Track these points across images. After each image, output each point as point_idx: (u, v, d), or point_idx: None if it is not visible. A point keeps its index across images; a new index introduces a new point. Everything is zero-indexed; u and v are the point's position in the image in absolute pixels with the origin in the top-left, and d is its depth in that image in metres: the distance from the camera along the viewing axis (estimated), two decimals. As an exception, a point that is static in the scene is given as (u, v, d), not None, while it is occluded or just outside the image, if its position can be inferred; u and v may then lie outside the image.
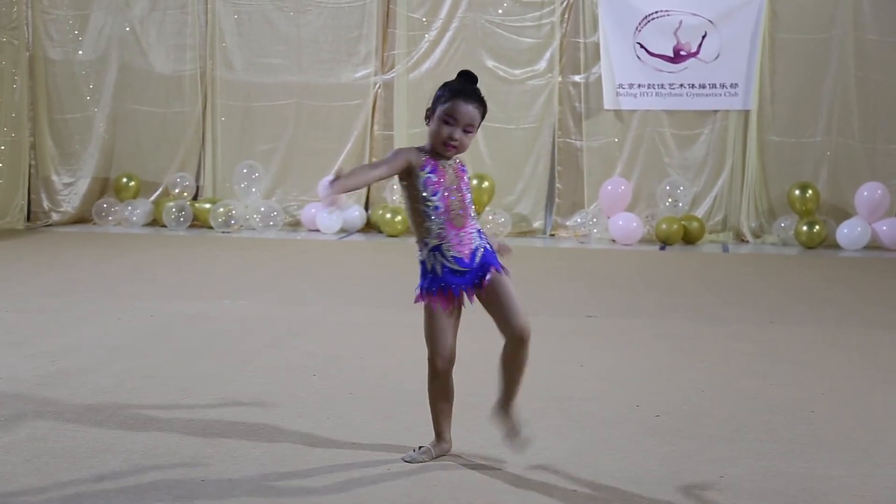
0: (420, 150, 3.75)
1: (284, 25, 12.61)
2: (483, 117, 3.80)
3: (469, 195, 3.80)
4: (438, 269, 3.74)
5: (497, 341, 5.98)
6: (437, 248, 3.73)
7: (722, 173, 12.18)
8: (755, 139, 12.01)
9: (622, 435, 4.21)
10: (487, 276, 3.75)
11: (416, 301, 3.82)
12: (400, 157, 3.70)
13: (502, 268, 3.81)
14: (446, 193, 3.71)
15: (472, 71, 3.88)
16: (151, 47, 12.72)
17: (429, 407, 3.92)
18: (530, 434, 3.86)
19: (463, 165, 3.84)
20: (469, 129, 3.72)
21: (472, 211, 3.79)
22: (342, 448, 3.96)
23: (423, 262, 3.79)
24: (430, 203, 3.70)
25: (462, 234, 3.73)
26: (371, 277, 8.49)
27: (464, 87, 3.75)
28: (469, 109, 3.71)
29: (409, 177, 3.71)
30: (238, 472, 3.66)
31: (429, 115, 3.78)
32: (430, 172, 3.70)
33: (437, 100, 3.75)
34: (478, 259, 3.76)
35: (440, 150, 3.73)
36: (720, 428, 4.34)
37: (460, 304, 3.82)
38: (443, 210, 3.70)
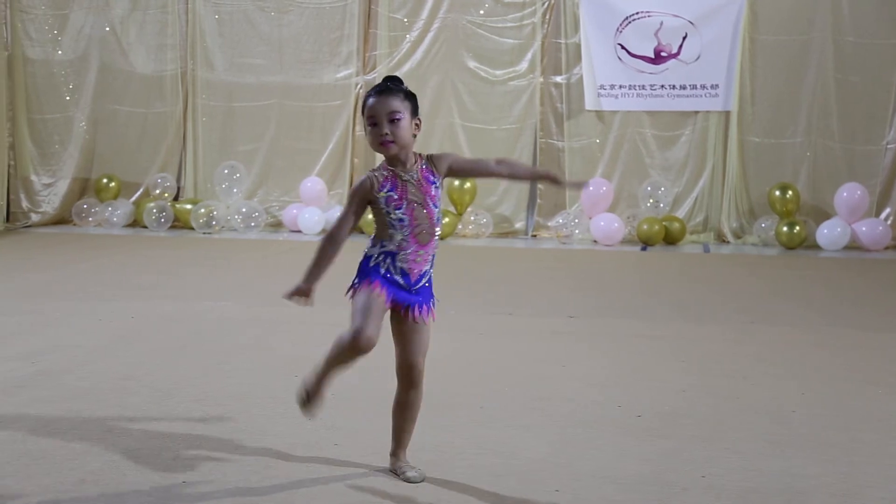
0: (374, 171, 3.58)
1: (266, 26, 12.59)
2: (408, 100, 3.54)
3: (436, 211, 3.57)
4: (382, 269, 3.56)
5: (471, 341, 5.98)
6: (391, 254, 3.56)
7: (703, 174, 12.23)
8: (736, 140, 12.07)
9: (603, 435, 4.22)
10: (416, 312, 3.57)
11: (348, 292, 3.61)
12: (355, 200, 3.58)
13: (431, 311, 3.62)
14: (411, 207, 3.53)
15: (398, 77, 3.67)
16: (132, 47, 12.68)
17: (326, 374, 3.64)
18: (418, 474, 3.64)
19: (431, 177, 3.57)
20: (393, 117, 3.48)
21: (438, 230, 3.59)
22: (323, 448, 3.95)
23: (368, 258, 3.60)
24: (393, 216, 3.53)
25: (422, 252, 3.56)
26: (352, 278, 8.47)
27: (372, 89, 3.59)
28: (380, 101, 3.50)
29: (373, 203, 3.56)
30: (220, 473, 3.65)
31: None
32: (389, 191, 3.53)
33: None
34: (420, 284, 3.59)
35: (383, 153, 3.56)
36: (700, 428, 4.36)
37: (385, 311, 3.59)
38: (407, 223, 3.53)
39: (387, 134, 3.49)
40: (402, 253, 3.55)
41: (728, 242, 12.03)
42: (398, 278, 3.56)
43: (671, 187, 12.19)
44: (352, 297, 3.58)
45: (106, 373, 5.09)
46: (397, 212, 3.53)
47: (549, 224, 12.35)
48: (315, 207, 12.11)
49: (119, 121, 12.77)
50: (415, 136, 3.57)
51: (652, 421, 4.44)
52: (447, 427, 4.26)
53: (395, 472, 3.68)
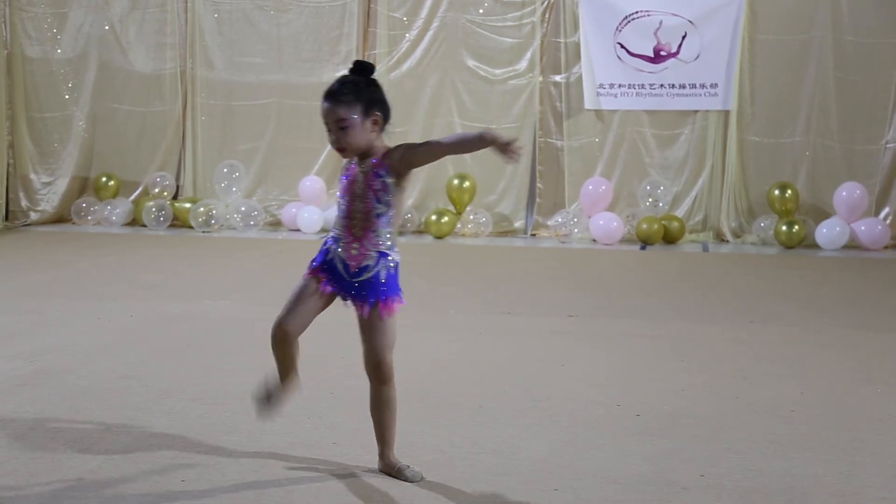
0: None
1: (265, 24, 12.58)
2: (360, 101, 3.51)
3: (377, 205, 3.53)
4: (329, 254, 3.61)
5: (471, 340, 5.99)
6: (336, 240, 3.61)
7: (702, 173, 12.23)
8: (735, 139, 12.07)
9: (602, 434, 4.22)
10: (364, 306, 3.55)
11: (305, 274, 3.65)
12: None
13: (385, 306, 3.55)
14: (352, 198, 3.56)
15: (364, 61, 3.68)
16: (131, 46, 12.67)
17: (279, 370, 3.74)
18: (416, 472, 3.63)
19: (380, 171, 3.53)
20: (341, 125, 3.50)
21: (378, 228, 3.54)
22: (322, 447, 3.95)
23: (327, 240, 3.67)
24: (339, 203, 3.63)
25: (356, 245, 3.55)
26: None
27: (325, 91, 3.58)
28: (328, 108, 3.53)
29: None
30: (219, 472, 3.65)
31: None
32: (344, 176, 3.61)
33: None
34: (364, 277, 3.55)
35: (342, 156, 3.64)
36: (700, 427, 4.36)
37: (329, 299, 3.63)
38: (344, 212, 3.59)
39: (335, 140, 3.54)
40: (342, 241, 3.59)
41: (727, 242, 12.03)
42: (339, 266, 3.59)
43: (670, 186, 12.19)
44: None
45: (106, 372, 5.09)
46: (341, 200, 3.62)
47: (549, 223, 12.35)
48: (314, 206, 12.11)
49: (118, 119, 12.76)
50: (375, 132, 3.55)
51: (652, 420, 4.44)
52: (447, 427, 4.26)
53: (388, 472, 3.66)
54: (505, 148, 3.36)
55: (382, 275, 3.56)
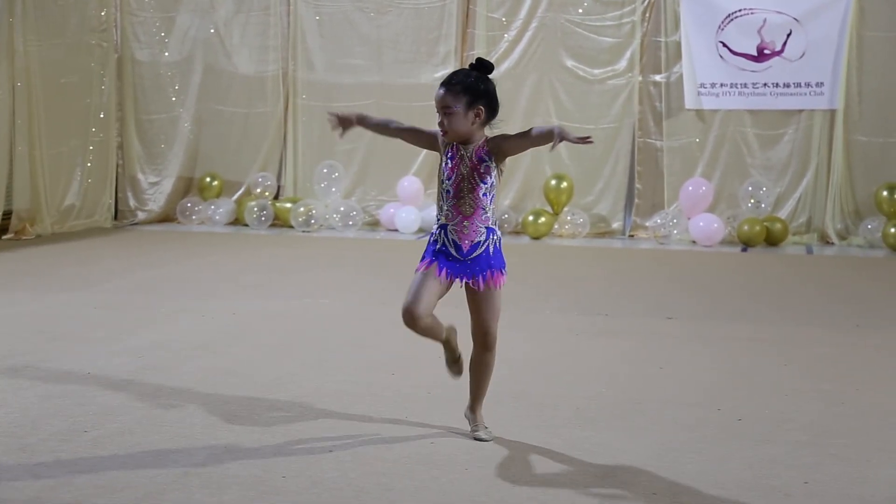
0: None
1: (365, 26, 12.70)
2: (466, 93, 3.90)
3: (482, 188, 3.93)
4: (438, 244, 3.99)
5: (568, 341, 5.96)
6: (443, 227, 3.99)
7: (806, 174, 11.96)
8: (841, 139, 11.77)
9: (703, 438, 4.16)
10: (478, 279, 3.96)
11: (417, 270, 4.00)
12: (433, 131, 4.07)
13: (494, 279, 3.97)
14: (458, 180, 3.94)
15: (485, 59, 4.02)
16: (235, 48, 12.90)
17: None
18: (487, 436, 4.08)
19: (485, 157, 3.94)
20: (446, 110, 3.93)
21: (486, 205, 3.94)
22: (420, 446, 3.98)
23: (430, 234, 4.06)
24: (444, 185, 4.00)
25: (467, 224, 3.94)
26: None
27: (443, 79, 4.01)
28: (439, 94, 3.95)
29: (439, 159, 4.06)
30: (318, 469, 3.70)
31: None
32: (448, 158, 3.99)
33: None
34: (476, 253, 3.95)
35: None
36: (804, 433, 4.27)
37: (448, 285, 4.00)
38: (453, 194, 3.95)
39: (442, 123, 3.97)
40: (451, 224, 3.98)
41: (832, 244, 11.73)
42: (451, 250, 3.97)
43: (773, 187, 11.94)
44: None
45: (209, 368, 5.20)
46: (447, 182, 3.98)
47: (647, 224, 12.21)
48: (412, 207, 12.19)
49: (222, 121, 13.01)
50: (477, 123, 3.94)
51: (754, 425, 4.36)
52: (544, 428, 4.26)
53: (469, 421, 4.14)
54: (577, 142, 3.70)
55: (491, 249, 3.98)
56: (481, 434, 4.08)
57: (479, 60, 3.99)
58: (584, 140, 3.70)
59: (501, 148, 3.94)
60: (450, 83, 3.95)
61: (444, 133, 3.97)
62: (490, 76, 3.98)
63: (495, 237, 3.99)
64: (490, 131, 4.01)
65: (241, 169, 12.96)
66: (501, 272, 3.99)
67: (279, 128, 12.94)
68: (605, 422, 4.38)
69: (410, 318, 3.92)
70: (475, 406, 4.16)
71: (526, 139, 3.89)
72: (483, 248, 3.96)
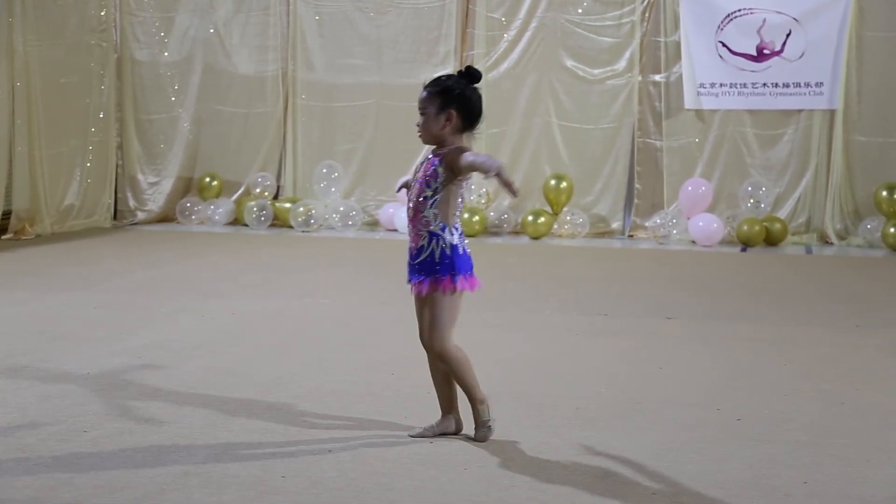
0: None
1: (365, 26, 12.70)
2: (439, 97, 3.94)
3: (422, 191, 3.93)
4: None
5: (567, 341, 5.96)
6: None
7: (805, 174, 11.96)
8: (841, 139, 11.77)
9: (703, 438, 4.16)
10: (421, 284, 3.94)
11: None
12: None
13: (438, 284, 3.92)
14: (415, 183, 4.00)
15: (474, 68, 4.05)
16: (235, 49, 12.90)
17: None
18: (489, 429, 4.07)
19: (433, 160, 3.95)
20: (420, 112, 3.99)
21: (425, 209, 3.92)
22: (420, 446, 3.98)
23: None
24: None
25: (411, 227, 3.99)
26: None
27: None
28: (419, 98, 4.01)
29: None
30: (318, 469, 3.70)
31: None
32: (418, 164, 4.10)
33: None
34: (421, 258, 3.94)
35: None
36: (804, 433, 4.27)
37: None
38: (410, 198, 4.01)
39: (417, 124, 4.03)
40: (408, 227, 4.05)
41: (832, 244, 11.73)
42: (408, 256, 4.03)
43: (772, 187, 11.94)
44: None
45: (209, 368, 5.20)
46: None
47: (647, 224, 12.21)
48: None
49: (221, 121, 13.01)
50: (448, 128, 3.95)
51: (753, 425, 4.36)
52: (543, 428, 4.26)
53: (442, 432, 4.08)
54: (505, 184, 3.64)
55: (437, 254, 3.92)
56: (481, 431, 4.05)
57: (468, 68, 4.01)
58: (512, 187, 3.62)
59: (449, 158, 3.90)
60: (429, 85, 4.00)
61: (420, 134, 4.02)
62: (476, 85, 3.99)
63: (442, 243, 3.91)
64: (469, 140, 4.01)
65: (241, 169, 12.96)
66: (451, 278, 3.91)
67: (279, 128, 12.94)
68: (605, 422, 4.38)
69: (424, 347, 4.07)
70: (446, 416, 4.12)
71: (469, 159, 3.80)
72: (427, 253, 3.92)
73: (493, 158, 3.77)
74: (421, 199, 3.93)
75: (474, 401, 4.05)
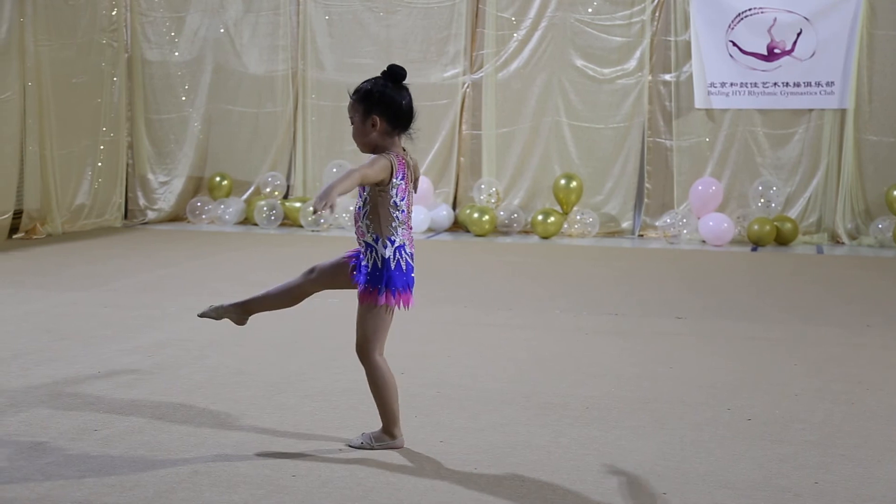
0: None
1: (374, 26, 12.71)
2: (361, 102, 3.95)
3: (358, 202, 3.89)
4: None
5: (577, 340, 5.96)
6: None
7: (816, 173, 11.92)
8: (852, 138, 11.73)
9: (712, 438, 4.16)
10: (358, 290, 3.90)
11: None
12: None
13: (368, 295, 3.87)
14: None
15: (397, 66, 4.13)
16: (245, 48, 12.92)
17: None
18: (359, 442, 3.96)
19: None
20: (350, 120, 3.99)
21: (360, 219, 3.87)
22: (429, 445, 3.98)
23: None
24: None
25: (355, 234, 3.94)
26: (458, 276, 8.51)
27: None
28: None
29: None
30: (328, 468, 3.71)
31: None
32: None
33: None
34: (362, 264, 3.90)
35: None
36: (814, 433, 4.26)
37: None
38: None
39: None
40: None
41: (842, 244, 11.70)
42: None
43: (783, 187, 11.91)
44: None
45: (219, 367, 5.21)
46: None
47: (657, 224, 12.19)
48: (420, 206, 12.19)
49: (232, 120, 13.03)
50: (375, 133, 3.94)
51: (763, 425, 4.36)
52: (553, 427, 4.25)
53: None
54: (320, 203, 3.57)
55: (370, 265, 3.85)
56: (355, 442, 3.95)
57: (390, 67, 3.98)
58: (326, 205, 3.56)
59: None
60: (352, 94, 3.95)
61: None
62: (403, 83, 3.99)
63: (374, 255, 3.82)
64: (410, 142, 3.97)
65: (251, 168, 12.98)
66: (377, 292, 3.82)
67: (289, 127, 12.95)
68: (614, 421, 4.38)
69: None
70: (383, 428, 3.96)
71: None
72: (365, 261, 3.86)
73: (344, 173, 3.70)
74: (357, 208, 3.91)
75: (385, 420, 3.94)
